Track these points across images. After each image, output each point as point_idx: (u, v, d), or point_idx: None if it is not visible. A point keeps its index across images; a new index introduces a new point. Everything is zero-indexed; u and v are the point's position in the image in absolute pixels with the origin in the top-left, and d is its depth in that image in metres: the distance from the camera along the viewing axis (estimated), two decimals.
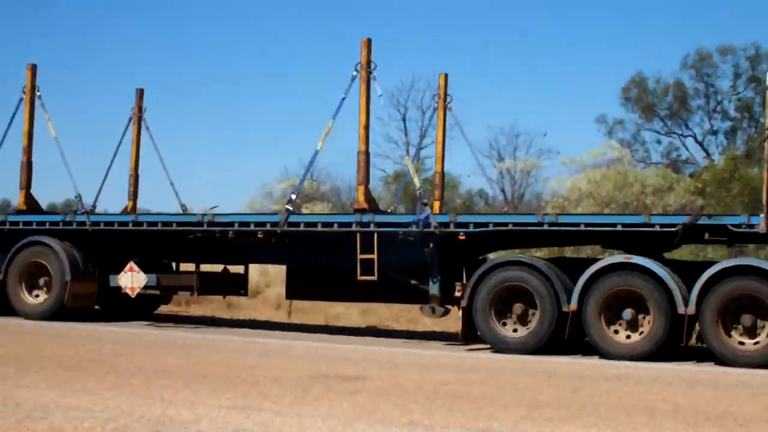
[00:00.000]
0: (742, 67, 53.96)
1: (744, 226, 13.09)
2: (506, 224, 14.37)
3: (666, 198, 41.02)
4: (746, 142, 53.63)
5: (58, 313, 17.00)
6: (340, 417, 7.86)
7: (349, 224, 15.22)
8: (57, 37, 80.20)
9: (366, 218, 15.06)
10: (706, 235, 13.45)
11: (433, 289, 14.90)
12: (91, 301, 17.36)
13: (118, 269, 16.94)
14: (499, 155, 58.40)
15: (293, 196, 16.19)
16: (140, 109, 19.28)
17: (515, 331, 14.15)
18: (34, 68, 18.11)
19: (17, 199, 18.37)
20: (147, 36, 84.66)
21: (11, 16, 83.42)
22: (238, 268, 17.95)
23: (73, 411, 7.76)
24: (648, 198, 40.67)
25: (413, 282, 15.14)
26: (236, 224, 16.07)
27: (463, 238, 14.55)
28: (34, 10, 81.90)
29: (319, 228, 15.45)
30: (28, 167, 17.93)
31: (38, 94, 18.00)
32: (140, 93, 19.34)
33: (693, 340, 13.38)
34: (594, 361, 13.22)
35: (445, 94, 17.46)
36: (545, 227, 14.07)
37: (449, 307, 15.12)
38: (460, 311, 14.54)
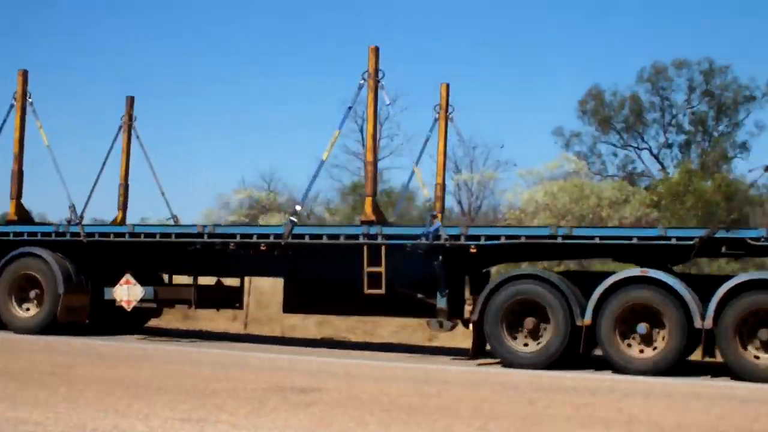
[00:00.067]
0: (696, 81, 54.77)
1: (763, 239, 13.08)
2: (519, 237, 14.24)
3: (622, 210, 41.39)
4: (700, 155, 54.35)
5: (49, 326, 16.54)
6: (296, 429, 7.93)
7: (356, 236, 14.99)
8: (38, 43, 78.66)
9: (374, 230, 14.84)
10: (724, 249, 13.44)
11: (441, 302, 14.70)
12: (84, 315, 16.92)
13: (111, 281, 16.54)
14: (456, 167, 58.47)
15: (298, 208, 15.95)
16: (130, 117, 18.85)
17: (526, 345, 14.03)
18: (25, 74, 17.64)
19: (6, 209, 17.91)
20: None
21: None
22: (232, 281, 17.61)
23: (24, 425, 7.64)
24: (604, 210, 41.01)
25: (420, 296, 14.94)
26: (238, 236, 15.78)
27: (475, 251, 14.40)
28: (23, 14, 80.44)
29: (325, 240, 15.20)
30: (18, 176, 17.47)
31: (30, 100, 17.56)
32: (130, 101, 18.92)
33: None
34: (551, 373, 13.23)
35: (447, 105, 17.31)
36: (559, 240, 13.97)
37: (456, 321, 14.94)
38: (471, 326, 14.36)
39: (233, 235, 15.82)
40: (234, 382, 10.85)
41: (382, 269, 14.72)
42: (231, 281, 17.59)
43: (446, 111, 17.31)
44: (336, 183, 60.57)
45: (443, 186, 17.48)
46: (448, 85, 17.36)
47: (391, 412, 8.84)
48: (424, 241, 14.55)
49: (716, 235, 13.21)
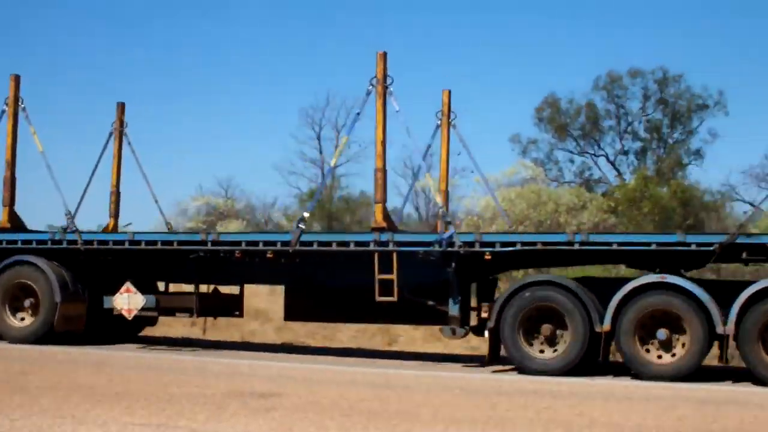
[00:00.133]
0: (650, 89, 55.32)
1: None
2: (535, 243, 14.10)
3: (579, 216, 41.66)
4: (656, 162, 54.89)
5: (45, 336, 16.09)
6: None
7: (367, 243, 14.75)
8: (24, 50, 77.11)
9: (384, 237, 14.62)
10: (744, 255, 13.42)
11: (453, 310, 14.53)
12: (81, 324, 16.45)
13: (107, 289, 16.16)
14: (414, 173, 58.43)
15: (306, 215, 15.63)
16: (121, 124, 18.45)
17: (542, 352, 13.91)
18: (17, 78, 17.13)
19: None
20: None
21: None
22: (229, 288, 17.26)
23: None
24: (561, 216, 41.24)
25: (430, 303, 14.75)
26: (243, 243, 15.46)
27: (489, 257, 14.25)
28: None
29: (335, 247, 14.94)
30: (11, 183, 16.98)
31: (22, 105, 17.08)
32: (121, 107, 18.52)
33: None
34: (512, 377, 13.25)
35: (449, 111, 17.13)
36: (576, 247, 13.87)
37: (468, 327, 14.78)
38: (486, 332, 14.20)
39: (238, 243, 15.50)
40: (193, 387, 10.75)
41: (393, 276, 14.50)
42: (225, 288, 17.21)
43: (448, 117, 17.12)
44: (294, 189, 60.36)
45: (446, 193, 17.29)
46: (449, 92, 17.17)
47: (351, 417, 8.79)
48: (437, 247, 14.37)
49: (737, 241, 13.20)
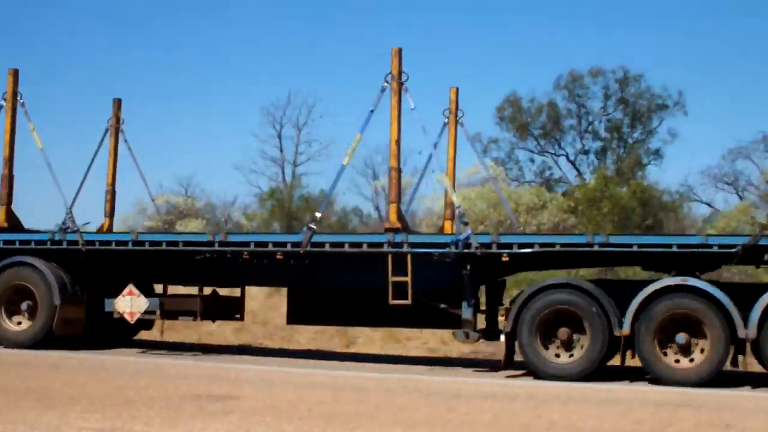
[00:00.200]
0: (611, 89, 55.64)
1: None
2: (553, 245, 13.94)
3: (539, 216, 41.82)
4: (616, 161, 55.24)
5: (44, 340, 15.61)
6: None
7: (380, 244, 14.49)
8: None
9: (399, 238, 14.37)
10: (766, 257, 13.38)
11: (467, 313, 14.30)
12: (80, 327, 15.95)
13: (106, 291, 15.74)
14: (374, 173, 58.38)
15: (318, 215, 15.32)
16: (118, 120, 17.99)
17: (557, 356, 13.74)
18: (15, 73, 16.59)
19: None
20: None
21: None
22: (228, 291, 16.89)
23: None
24: (522, 216, 41.35)
25: (443, 306, 14.54)
26: (252, 244, 15.13)
27: (507, 259, 14.07)
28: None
29: (347, 248, 14.65)
30: (9, 181, 16.45)
31: (21, 101, 16.56)
32: (118, 103, 18.05)
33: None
34: (470, 379, 13.16)
35: (456, 108, 16.93)
36: (596, 248, 13.74)
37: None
38: (503, 337, 14.00)
39: (247, 243, 15.17)
40: (149, 390, 10.54)
41: (408, 279, 14.24)
42: (223, 291, 16.82)
43: (456, 115, 16.93)
44: (254, 189, 59.93)
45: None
46: (457, 89, 16.97)
47: (309, 420, 8.67)
48: (453, 249, 14.16)
49: (759, 243, 13.16)
